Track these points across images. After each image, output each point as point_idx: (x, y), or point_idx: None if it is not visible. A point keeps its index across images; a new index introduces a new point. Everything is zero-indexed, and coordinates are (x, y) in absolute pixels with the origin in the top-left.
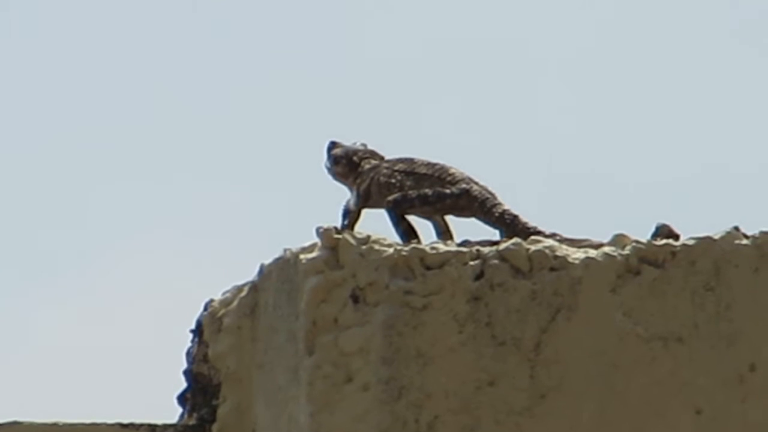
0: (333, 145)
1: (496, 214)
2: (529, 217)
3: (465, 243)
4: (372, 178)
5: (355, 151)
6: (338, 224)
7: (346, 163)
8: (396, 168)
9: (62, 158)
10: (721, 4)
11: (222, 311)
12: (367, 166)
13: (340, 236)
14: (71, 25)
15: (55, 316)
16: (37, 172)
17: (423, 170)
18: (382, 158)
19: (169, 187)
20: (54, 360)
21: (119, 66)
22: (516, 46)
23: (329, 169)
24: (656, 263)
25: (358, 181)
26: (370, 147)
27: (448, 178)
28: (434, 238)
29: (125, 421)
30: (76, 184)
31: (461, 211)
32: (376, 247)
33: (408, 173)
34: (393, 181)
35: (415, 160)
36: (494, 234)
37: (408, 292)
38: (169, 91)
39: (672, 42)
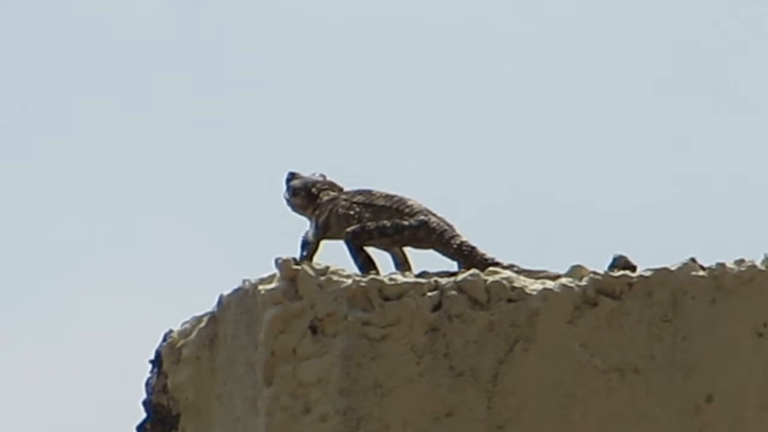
0: (292, 176)
1: (454, 246)
2: (486, 245)
3: (423, 274)
4: (331, 210)
5: (314, 183)
6: (297, 255)
7: (305, 195)
8: (354, 200)
9: (18, 188)
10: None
11: (181, 342)
12: (326, 198)
13: (299, 267)
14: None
15: (12, 345)
16: None
17: (381, 202)
18: (340, 189)
19: (125, 219)
20: (12, 391)
21: (81, 97)
22: (480, 65)
23: (288, 201)
24: (613, 294)
25: (317, 212)
26: (328, 178)
27: (407, 210)
28: (393, 269)
29: None
30: (32, 216)
31: (419, 243)
32: (335, 278)
33: (366, 205)
34: (351, 212)
35: (374, 192)
36: (452, 265)
37: (366, 323)
38: (128, 124)
39: (633, 69)
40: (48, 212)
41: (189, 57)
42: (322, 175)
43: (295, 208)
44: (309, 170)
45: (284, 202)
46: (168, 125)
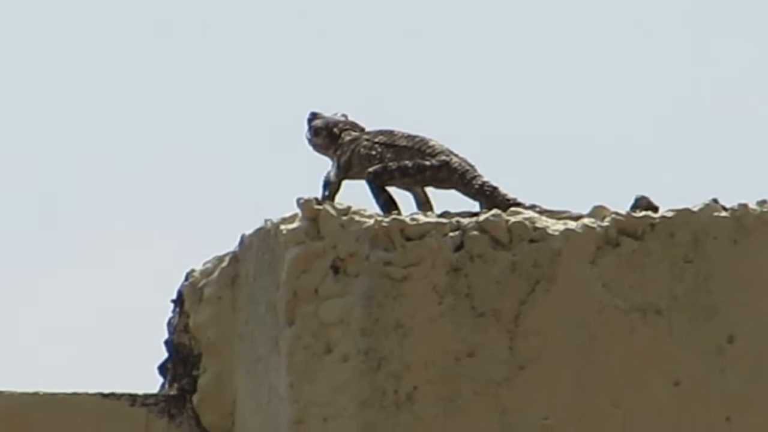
0: (313, 116)
1: (476, 186)
2: (507, 186)
3: (445, 214)
4: (353, 150)
5: (336, 123)
6: (319, 195)
7: (327, 135)
8: (376, 140)
9: (28, 141)
10: None
11: (203, 282)
12: (348, 138)
13: (320, 207)
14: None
15: (33, 288)
16: None
17: (403, 142)
18: (362, 129)
19: (147, 160)
20: (32, 330)
21: (78, 62)
22: (490, 13)
23: (309, 141)
24: (635, 235)
25: (339, 152)
26: (350, 118)
27: (428, 150)
28: (414, 209)
29: (106, 391)
30: (48, 166)
31: (441, 183)
32: (357, 218)
33: (388, 145)
34: (373, 153)
35: (395, 133)
36: (474, 206)
37: (388, 263)
38: (131, 60)
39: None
40: (70, 155)
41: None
42: (344, 115)
43: (317, 147)
44: (331, 110)
45: (306, 141)
46: (190, 65)
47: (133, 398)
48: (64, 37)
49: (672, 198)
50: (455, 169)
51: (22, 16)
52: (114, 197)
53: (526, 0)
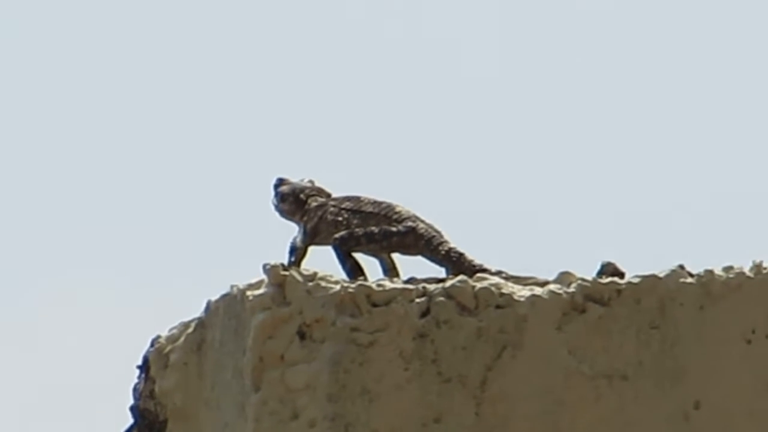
0: (280, 182)
1: (443, 252)
2: (473, 252)
3: (411, 280)
4: (320, 216)
5: (302, 189)
6: (285, 261)
7: (293, 201)
8: (343, 206)
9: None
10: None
11: (169, 347)
12: (314, 204)
13: (287, 273)
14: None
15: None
16: None
17: (369, 208)
18: (329, 195)
19: (113, 221)
20: (7, 392)
21: (68, 103)
22: (460, 72)
23: (276, 206)
24: (602, 301)
25: (305, 218)
26: (317, 184)
27: (395, 216)
28: (381, 275)
29: None
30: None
31: (408, 249)
32: (323, 284)
33: (355, 211)
34: (340, 218)
35: (362, 199)
36: (441, 271)
37: (354, 329)
38: (113, 131)
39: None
40: (31, 220)
41: (180, 56)
42: (311, 181)
43: (284, 213)
44: (298, 176)
45: (272, 207)
46: (153, 130)
47: None
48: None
49: (638, 264)
50: (422, 235)
51: None
52: (78, 258)
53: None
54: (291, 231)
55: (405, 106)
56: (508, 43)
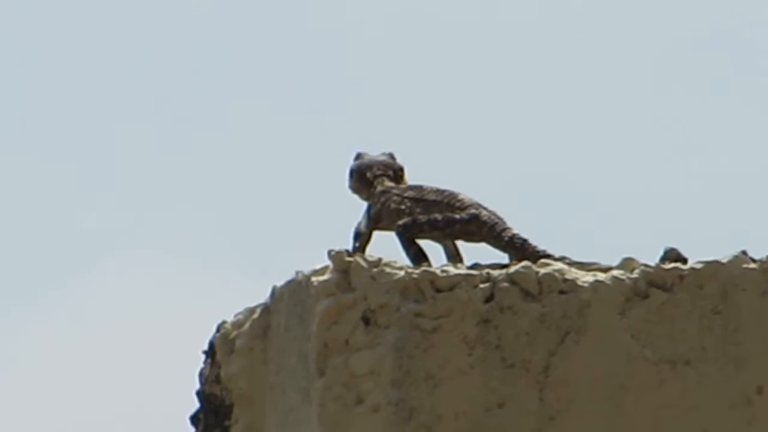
0: (357, 156)
1: (506, 239)
2: (537, 239)
3: (475, 266)
4: (383, 203)
5: (370, 166)
6: (349, 247)
7: (358, 178)
8: (406, 195)
9: (43, 174)
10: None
11: (234, 333)
12: (380, 188)
13: (351, 259)
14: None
15: (66, 335)
16: (15, 191)
17: (432, 197)
18: (400, 173)
19: (182, 210)
20: (68, 378)
21: (111, 77)
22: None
23: (348, 181)
24: (664, 287)
25: (371, 201)
26: (396, 157)
27: (457, 204)
28: (444, 261)
29: None
30: (61, 205)
31: (471, 237)
32: (387, 270)
33: (417, 200)
34: (403, 207)
35: (424, 188)
36: (504, 258)
37: (418, 315)
38: (170, 99)
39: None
40: (79, 201)
41: (226, 34)
42: (390, 154)
43: (351, 189)
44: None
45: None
46: (218, 108)
47: None
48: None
49: (701, 250)
50: (484, 222)
51: None
52: (144, 243)
53: (550, 51)
54: (356, 215)
55: (464, 89)
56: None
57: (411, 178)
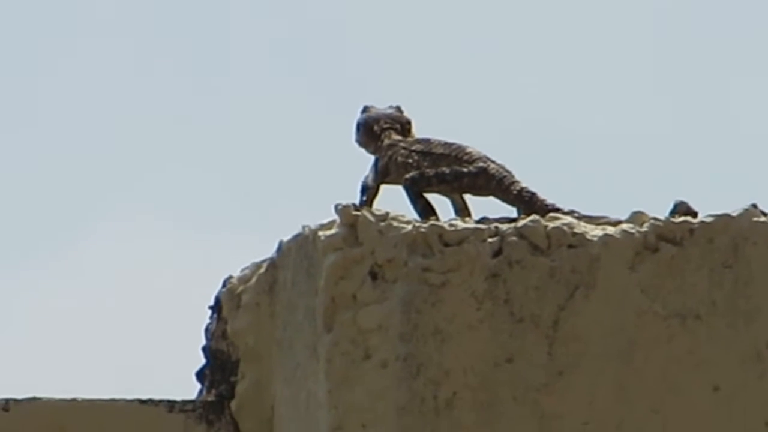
0: (364, 109)
1: (514, 192)
2: (546, 193)
3: (483, 220)
4: (390, 157)
5: (377, 119)
6: (357, 201)
7: (365, 132)
8: (413, 148)
9: (37, 135)
10: None
11: (241, 288)
12: (387, 142)
13: (358, 213)
14: None
15: (68, 292)
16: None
17: (440, 150)
18: (408, 126)
19: (189, 165)
20: (69, 336)
21: (116, 55)
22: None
23: (355, 135)
24: (674, 241)
25: (378, 154)
26: (404, 111)
27: (465, 158)
28: (452, 215)
29: (144, 397)
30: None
31: (479, 190)
32: (395, 224)
33: (425, 153)
34: (410, 161)
35: (432, 141)
36: (512, 212)
37: (426, 269)
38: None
39: None
40: (76, 161)
41: None
42: (398, 107)
43: (358, 143)
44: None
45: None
46: (224, 62)
47: (171, 404)
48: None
49: (711, 203)
50: (493, 175)
51: None
52: (148, 200)
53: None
54: (363, 169)
55: (468, 42)
56: None
57: (419, 131)
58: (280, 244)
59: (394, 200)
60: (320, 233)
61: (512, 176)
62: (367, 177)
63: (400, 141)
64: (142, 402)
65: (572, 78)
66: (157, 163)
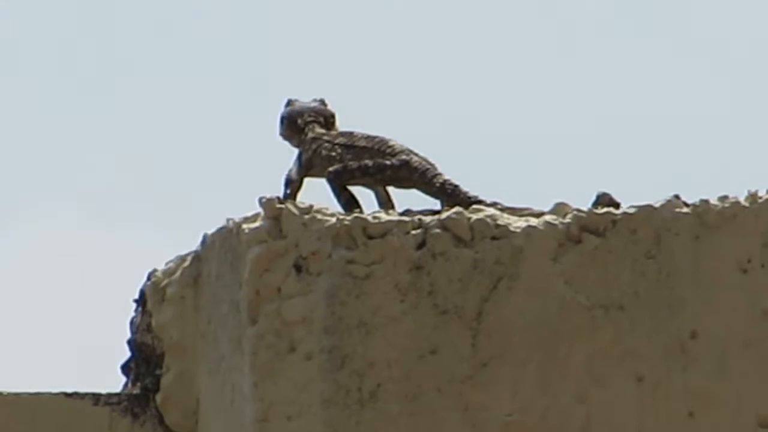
0: (288, 103)
1: (437, 185)
2: (469, 185)
3: (407, 212)
4: (314, 150)
5: (301, 113)
6: (281, 194)
7: (289, 125)
8: (336, 141)
9: None
10: None
11: (165, 281)
12: (311, 135)
13: (282, 206)
14: None
15: None
16: None
17: (363, 143)
18: (332, 120)
19: (113, 160)
20: None
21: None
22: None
23: (279, 129)
24: (597, 232)
25: (302, 148)
26: (327, 104)
27: (388, 150)
28: (376, 207)
29: (69, 390)
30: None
31: (401, 183)
32: (319, 216)
33: (348, 146)
34: (333, 154)
35: (355, 134)
36: (436, 204)
37: (350, 262)
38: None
39: None
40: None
41: None
42: (322, 101)
43: (282, 136)
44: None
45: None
46: (147, 52)
47: (96, 397)
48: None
49: (633, 194)
50: (415, 168)
51: None
52: (74, 194)
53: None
54: (287, 163)
55: (396, 35)
56: None
57: (343, 124)
58: (205, 237)
59: (318, 193)
60: (244, 226)
61: (435, 169)
62: (290, 170)
63: (323, 134)
64: (67, 395)
65: (493, 74)
66: (79, 159)
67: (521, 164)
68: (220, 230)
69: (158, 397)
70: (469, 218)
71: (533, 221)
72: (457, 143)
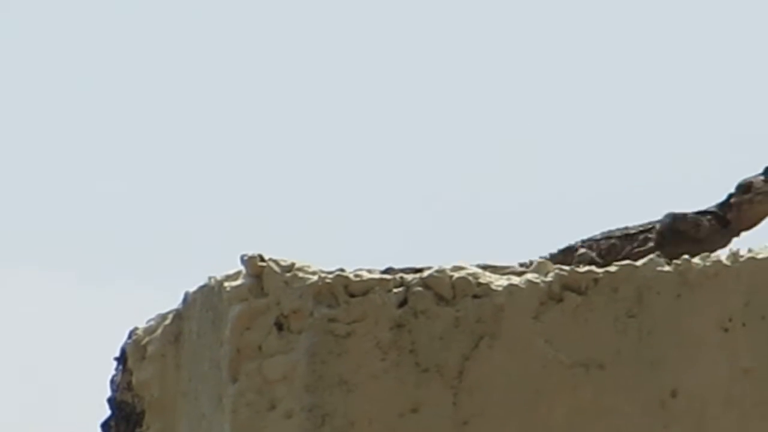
0: None
1: None
2: (448, 241)
3: (388, 270)
4: None
5: None
6: (261, 252)
7: None
8: None
9: None
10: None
11: (146, 339)
12: None
13: (264, 264)
14: None
15: None
16: None
17: None
18: None
19: (91, 217)
20: None
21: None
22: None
23: None
24: (579, 290)
25: None
26: None
27: None
28: (358, 265)
29: None
30: None
31: None
32: (300, 274)
33: None
34: None
35: None
36: (418, 262)
37: (332, 320)
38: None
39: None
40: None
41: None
42: None
43: None
44: None
45: None
46: (132, 116)
47: None
48: None
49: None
50: None
51: None
52: (55, 253)
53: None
54: (268, 222)
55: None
56: None
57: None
58: (186, 295)
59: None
60: (226, 284)
61: None
62: None
63: None
64: None
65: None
66: (59, 218)
67: (503, 223)
68: (201, 288)
69: None
70: (451, 276)
71: (515, 279)
72: (437, 202)
